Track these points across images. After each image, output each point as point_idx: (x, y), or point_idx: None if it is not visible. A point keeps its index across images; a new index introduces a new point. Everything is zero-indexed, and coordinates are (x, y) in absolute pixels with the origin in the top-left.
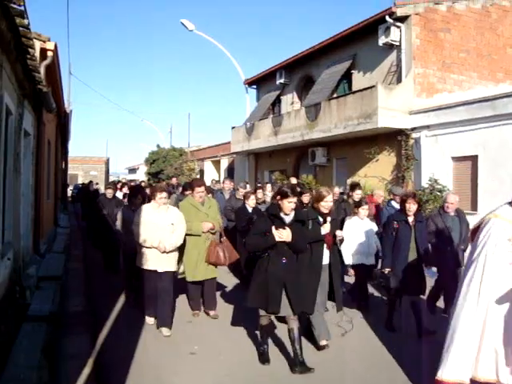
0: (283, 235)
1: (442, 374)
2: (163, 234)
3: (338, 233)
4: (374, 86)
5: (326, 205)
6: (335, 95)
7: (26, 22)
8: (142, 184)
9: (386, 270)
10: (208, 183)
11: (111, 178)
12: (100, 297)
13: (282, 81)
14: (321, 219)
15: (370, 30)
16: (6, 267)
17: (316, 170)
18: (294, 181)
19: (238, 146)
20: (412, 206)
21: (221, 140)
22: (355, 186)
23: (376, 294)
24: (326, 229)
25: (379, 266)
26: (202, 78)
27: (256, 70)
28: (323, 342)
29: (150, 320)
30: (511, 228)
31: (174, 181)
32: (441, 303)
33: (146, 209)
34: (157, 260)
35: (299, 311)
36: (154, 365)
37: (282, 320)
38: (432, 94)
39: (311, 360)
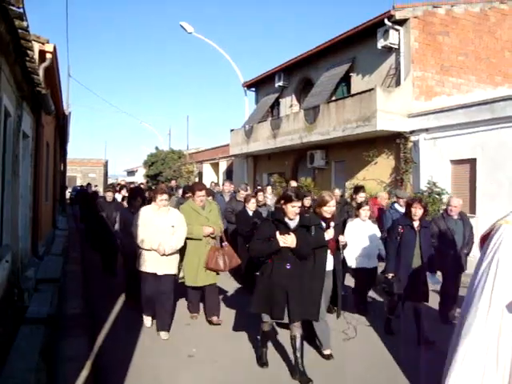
0: (288, 240)
1: None
2: (163, 236)
3: (341, 238)
4: (372, 89)
5: (329, 210)
6: (334, 98)
7: (24, 24)
8: (141, 186)
9: (390, 275)
10: (207, 186)
11: (110, 181)
12: (98, 299)
13: (280, 83)
14: (323, 224)
15: (368, 33)
16: (4, 269)
17: (314, 172)
18: (293, 184)
19: (236, 148)
20: (418, 211)
21: (219, 142)
22: (359, 189)
23: (379, 298)
24: (329, 234)
25: (381, 270)
26: (200, 81)
27: (255, 72)
28: (327, 352)
29: (147, 321)
30: None
31: (173, 183)
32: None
33: (145, 211)
34: (156, 263)
35: (303, 318)
36: (152, 367)
37: (285, 326)
38: (431, 97)
39: (311, 361)
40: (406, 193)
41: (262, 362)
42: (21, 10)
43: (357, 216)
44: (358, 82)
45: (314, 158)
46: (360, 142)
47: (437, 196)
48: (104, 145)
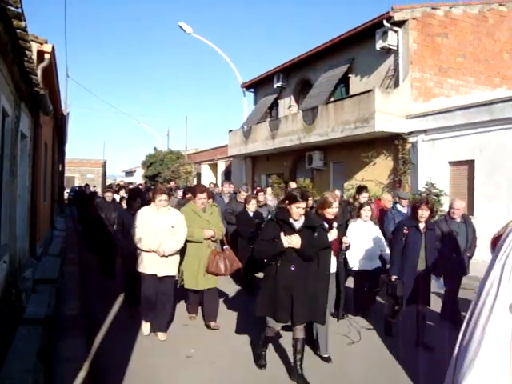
0: (292, 241)
1: None
2: (163, 237)
3: (345, 239)
4: (371, 90)
5: (332, 211)
6: (332, 99)
7: (23, 24)
8: (140, 187)
9: (393, 277)
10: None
11: (108, 181)
12: (96, 300)
13: (279, 84)
14: (326, 225)
15: (367, 34)
16: (2, 270)
17: (313, 173)
18: (293, 185)
19: (235, 149)
20: (424, 213)
21: (218, 143)
22: (362, 189)
23: (380, 300)
24: (333, 235)
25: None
26: (199, 82)
27: (254, 73)
28: (326, 354)
29: (146, 328)
30: None
31: (172, 184)
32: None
33: (144, 211)
34: (156, 264)
35: (308, 320)
36: (150, 368)
37: (287, 328)
38: (429, 98)
39: (310, 363)
40: (407, 193)
41: (260, 363)
42: (19, 10)
43: (358, 216)
44: (356, 83)
45: (313, 159)
46: (358, 143)
47: (435, 197)
48: (102, 145)
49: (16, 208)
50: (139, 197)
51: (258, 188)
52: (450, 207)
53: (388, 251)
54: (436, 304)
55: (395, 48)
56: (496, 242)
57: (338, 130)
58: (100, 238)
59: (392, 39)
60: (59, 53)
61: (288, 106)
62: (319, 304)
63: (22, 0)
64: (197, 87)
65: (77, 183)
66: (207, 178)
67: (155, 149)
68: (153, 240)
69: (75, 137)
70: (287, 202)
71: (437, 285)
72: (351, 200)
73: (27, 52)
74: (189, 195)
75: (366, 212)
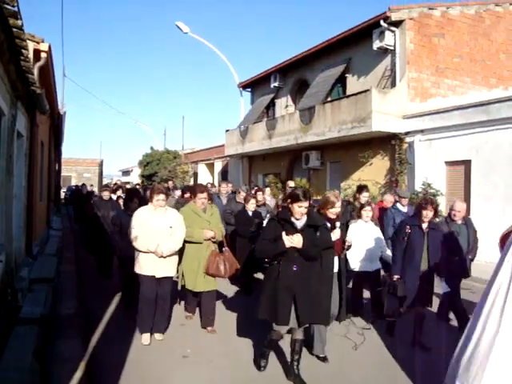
0: (294, 241)
1: None
2: (161, 237)
3: (348, 239)
4: (368, 90)
5: (335, 211)
6: (329, 99)
7: (19, 22)
8: (137, 187)
9: (395, 277)
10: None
11: (105, 181)
12: (92, 299)
13: (276, 84)
14: (328, 225)
15: (364, 34)
16: None
17: (310, 173)
18: (291, 184)
19: (232, 148)
20: (429, 213)
21: (215, 143)
22: (363, 188)
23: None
24: (336, 235)
25: (383, 272)
26: (196, 82)
27: (251, 73)
28: (323, 354)
29: (145, 339)
30: None
31: (170, 184)
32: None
33: (142, 211)
34: (154, 265)
35: (312, 322)
36: (146, 368)
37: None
38: (426, 98)
39: (308, 361)
40: (407, 192)
41: (260, 363)
42: (15, 9)
43: (359, 217)
44: (353, 83)
45: (310, 159)
46: (355, 142)
47: (431, 197)
48: (99, 145)
49: (12, 207)
50: (137, 197)
51: (257, 188)
52: (451, 209)
53: (388, 252)
54: (434, 304)
55: (392, 48)
56: (505, 240)
57: (334, 129)
58: (97, 238)
59: (389, 39)
60: (56, 52)
61: (285, 105)
62: (323, 305)
63: None
64: (194, 87)
65: (73, 182)
66: (204, 177)
67: (152, 148)
68: (150, 240)
69: (72, 136)
70: (289, 200)
71: (443, 288)
72: (351, 200)
73: (23, 51)
74: (187, 195)
75: (367, 212)
